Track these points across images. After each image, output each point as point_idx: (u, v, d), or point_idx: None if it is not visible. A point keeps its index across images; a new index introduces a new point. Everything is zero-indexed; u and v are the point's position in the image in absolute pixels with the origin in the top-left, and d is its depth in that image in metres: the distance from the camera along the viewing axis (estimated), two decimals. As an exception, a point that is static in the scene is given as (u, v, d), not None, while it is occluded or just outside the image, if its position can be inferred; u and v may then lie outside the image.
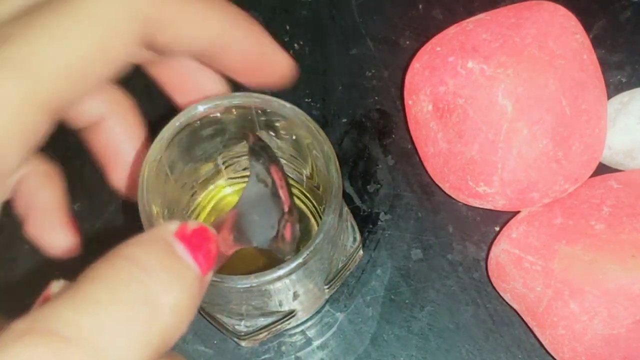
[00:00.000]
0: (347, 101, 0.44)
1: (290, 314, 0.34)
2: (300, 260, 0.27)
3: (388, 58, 0.45)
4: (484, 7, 0.41)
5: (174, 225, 0.20)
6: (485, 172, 0.37)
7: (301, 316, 0.36)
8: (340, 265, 0.34)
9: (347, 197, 0.41)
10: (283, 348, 0.38)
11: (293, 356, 0.38)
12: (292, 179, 0.35)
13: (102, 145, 0.28)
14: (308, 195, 0.36)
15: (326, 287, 0.34)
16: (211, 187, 0.36)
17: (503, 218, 0.40)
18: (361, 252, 0.37)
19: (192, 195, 0.35)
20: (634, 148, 0.38)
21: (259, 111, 0.30)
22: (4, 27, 0.22)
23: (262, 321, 0.34)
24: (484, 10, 0.40)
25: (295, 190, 0.35)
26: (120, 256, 0.19)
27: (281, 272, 0.27)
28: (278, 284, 0.28)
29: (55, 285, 0.19)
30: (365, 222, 0.41)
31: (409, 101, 0.40)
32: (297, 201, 0.36)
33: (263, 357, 0.38)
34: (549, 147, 0.36)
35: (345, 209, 0.34)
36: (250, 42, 0.26)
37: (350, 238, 0.35)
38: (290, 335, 0.39)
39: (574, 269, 0.34)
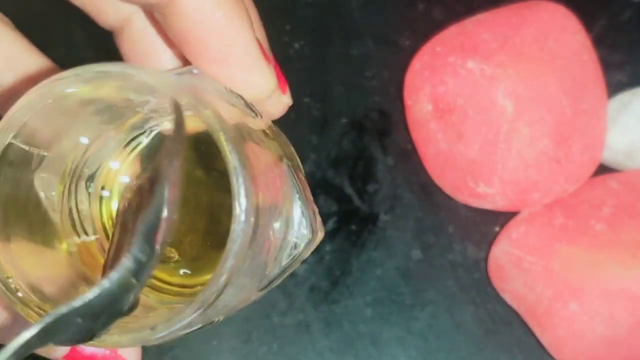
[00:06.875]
0: (347, 101, 0.44)
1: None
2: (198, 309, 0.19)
3: (388, 58, 0.45)
4: (484, 7, 0.41)
5: None
6: (485, 172, 0.37)
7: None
8: (282, 265, 0.25)
9: (347, 197, 0.41)
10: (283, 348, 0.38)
11: (294, 356, 0.38)
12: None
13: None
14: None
15: (261, 291, 0.26)
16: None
17: (503, 218, 0.40)
18: (317, 239, 0.26)
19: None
20: (634, 148, 0.38)
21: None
22: None
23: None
24: (484, 10, 0.40)
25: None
26: None
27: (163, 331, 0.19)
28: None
29: None
30: (365, 222, 0.41)
31: (409, 101, 0.40)
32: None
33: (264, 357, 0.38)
34: (549, 147, 0.36)
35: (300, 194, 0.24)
36: (221, 23, 0.21)
37: (300, 228, 0.25)
38: (291, 334, 0.39)
39: (574, 270, 0.34)
